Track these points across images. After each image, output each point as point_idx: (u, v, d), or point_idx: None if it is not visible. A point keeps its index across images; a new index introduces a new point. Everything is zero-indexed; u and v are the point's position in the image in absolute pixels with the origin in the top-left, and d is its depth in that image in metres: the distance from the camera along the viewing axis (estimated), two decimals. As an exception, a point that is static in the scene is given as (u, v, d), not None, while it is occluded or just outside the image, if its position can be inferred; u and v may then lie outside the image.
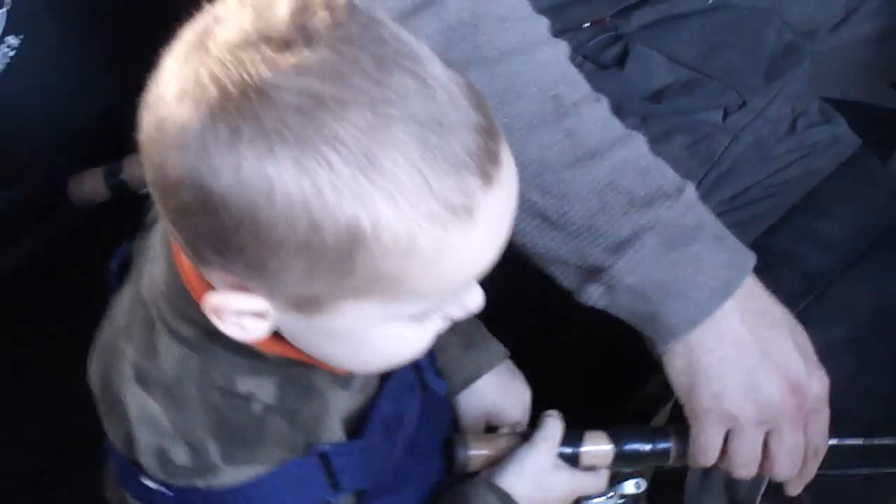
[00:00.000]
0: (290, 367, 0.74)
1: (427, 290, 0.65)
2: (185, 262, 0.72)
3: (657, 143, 1.02)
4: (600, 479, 0.96)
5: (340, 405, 0.80)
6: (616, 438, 0.94)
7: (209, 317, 0.67)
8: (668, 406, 1.11)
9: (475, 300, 0.70)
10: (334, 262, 0.62)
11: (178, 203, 0.62)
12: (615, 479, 1.04)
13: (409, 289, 0.64)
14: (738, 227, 1.03)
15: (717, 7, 1.09)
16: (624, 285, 0.88)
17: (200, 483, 0.74)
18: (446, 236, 0.61)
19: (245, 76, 0.59)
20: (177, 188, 0.61)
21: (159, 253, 0.75)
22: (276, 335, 0.70)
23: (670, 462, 0.95)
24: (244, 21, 0.61)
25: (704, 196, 1.02)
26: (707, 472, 1.10)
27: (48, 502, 1.26)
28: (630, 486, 1.03)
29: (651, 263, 0.88)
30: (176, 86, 0.61)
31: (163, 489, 0.75)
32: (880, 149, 1.14)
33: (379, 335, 0.69)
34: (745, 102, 1.06)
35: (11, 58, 1.29)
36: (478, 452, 0.92)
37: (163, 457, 0.73)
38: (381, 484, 0.89)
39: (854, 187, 1.10)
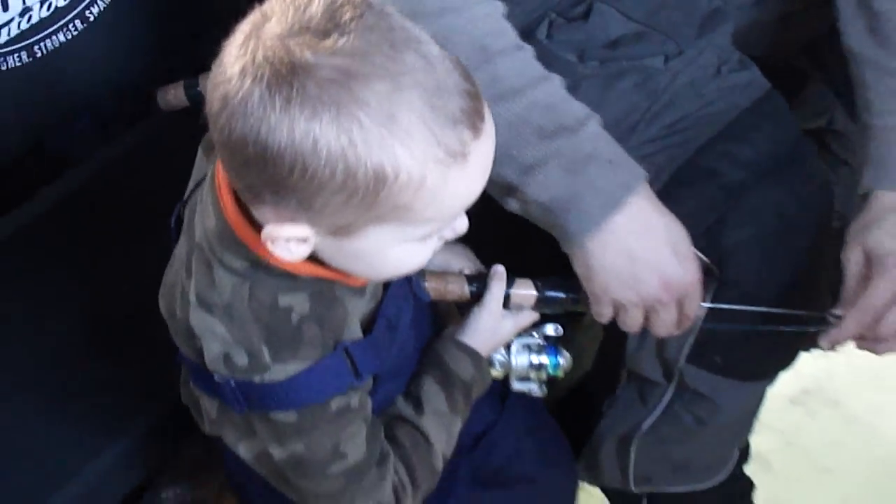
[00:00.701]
0: (318, 284, 0.89)
1: (431, 216, 0.81)
2: (230, 211, 0.87)
3: (613, 81, 1.23)
4: (531, 317, 1.18)
5: (357, 310, 0.94)
6: (539, 286, 1.15)
7: (264, 244, 0.82)
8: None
9: (463, 224, 0.87)
10: (363, 198, 0.77)
11: (243, 158, 0.76)
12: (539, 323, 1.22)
13: (418, 216, 0.80)
14: (674, 149, 1.25)
15: None
16: (533, 201, 1.05)
17: (257, 378, 0.89)
18: (448, 175, 0.78)
19: (292, 57, 0.73)
20: (242, 146, 0.75)
21: (209, 207, 0.88)
22: (309, 258, 0.85)
23: (579, 308, 1.16)
24: (287, 16, 0.75)
25: (649, 122, 1.26)
26: (643, 336, 1.31)
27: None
28: (550, 329, 1.21)
29: (554, 184, 1.05)
30: (237, 67, 0.75)
31: (230, 382, 0.90)
32: (784, 94, 1.32)
33: (392, 253, 0.86)
34: (681, 51, 1.23)
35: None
36: (430, 285, 1.11)
37: (227, 361, 0.88)
38: (386, 372, 1.04)
39: (764, 119, 1.26)
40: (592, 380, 1.60)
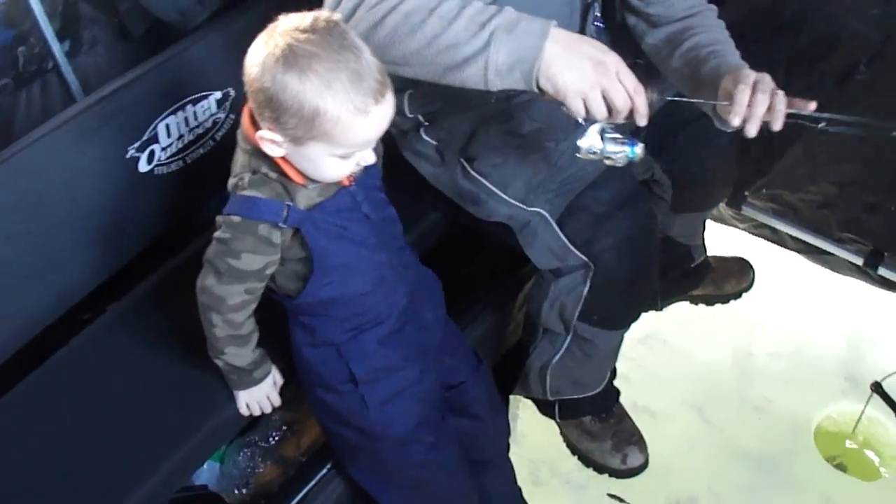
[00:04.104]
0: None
1: (346, 142, 1.24)
2: (246, 119, 1.31)
3: (528, 155, 1.66)
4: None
5: (304, 194, 1.35)
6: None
7: (258, 142, 1.27)
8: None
9: (371, 156, 1.30)
10: (307, 122, 1.21)
11: (263, 97, 1.22)
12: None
13: (338, 141, 1.24)
14: (565, 195, 1.66)
15: None
16: (494, 60, 1.36)
17: (238, 192, 1.33)
18: (354, 121, 1.22)
19: (290, 44, 1.20)
20: (263, 91, 1.22)
21: (240, 136, 1.36)
22: (282, 159, 1.29)
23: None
24: (289, 24, 1.22)
25: (550, 179, 1.65)
26: (551, 304, 1.76)
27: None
28: (639, 149, 1.45)
29: (504, 43, 1.35)
30: (262, 51, 1.22)
31: (231, 194, 1.35)
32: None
33: (325, 162, 1.28)
34: (565, 138, 1.64)
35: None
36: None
37: (234, 185, 1.36)
38: (331, 266, 1.39)
39: (614, 175, 1.65)
40: (523, 336, 2.05)
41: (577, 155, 1.46)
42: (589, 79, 1.34)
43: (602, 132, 1.43)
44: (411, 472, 1.62)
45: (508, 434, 1.88)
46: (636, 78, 1.37)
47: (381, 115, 1.25)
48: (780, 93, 1.40)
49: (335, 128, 1.22)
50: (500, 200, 1.75)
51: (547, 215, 1.70)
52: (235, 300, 1.40)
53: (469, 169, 1.78)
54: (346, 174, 1.33)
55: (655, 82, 1.44)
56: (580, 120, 1.40)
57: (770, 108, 1.38)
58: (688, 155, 1.94)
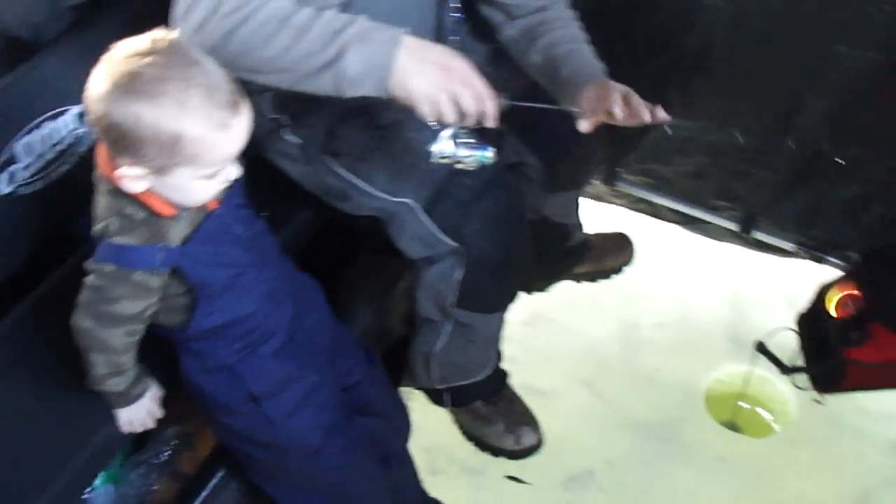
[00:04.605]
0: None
1: (212, 161, 1.20)
2: (102, 159, 1.23)
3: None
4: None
5: (176, 229, 1.30)
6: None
7: (118, 181, 1.20)
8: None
9: (236, 170, 1.26)
10: (169, 150, 1.16)
11: (116, 133, 1.15)
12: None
13: (203, 161, 1.19)
14: (428, 183, 1.68)
15: None
16: (348, 70, 1.37)
17: (112, 241, 1.26)
18: (218, 137, 1.18)
19: (132, 71, 1.14)
20: (115, 127, 1.15)
21: (96, 179, 1.28)
22: (146, 194, 1.22)
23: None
24: (126, 51, 1.16)
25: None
26: (427, 295, 1.79)
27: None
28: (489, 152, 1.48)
29: (358, 51, 1.37)
30: (104, 84, 1.15)
31: (98, 240, 1.27)
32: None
33: (192, 186, 1.23)
34: None
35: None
36: None
37: (105, 233, 1.27)
38: (212, 286, 1.36)
39: None
40: (406, 327, 2.09)
41: (430, 160, 1.48)
42: (437, 85, 1.37)
43: (454, 137, 1.46)
44: (325, 478, 1.61)
45: (409, 427, 1.90)
46: (484, 83, 1.41)
47: (241, 126, 1.22)
48: (643, 107, 1.47)
49: (199, 148, 1.19)
50: (366, 194, 1.77)
51: (414, 205, 1.72)
52: (117, 343, 1.36)
53: (334, 165, 1.79)
54: (215, 194, 1.30)
55: (506, 85, 1.48)
56: (431, 125, 1.43)
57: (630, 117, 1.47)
58: (553, 135, 1.96)
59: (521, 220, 1.83)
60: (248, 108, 1.22)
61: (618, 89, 1.49)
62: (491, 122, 1.43)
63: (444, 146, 1.46)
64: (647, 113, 1.45)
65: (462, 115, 1.40)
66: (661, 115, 1.46)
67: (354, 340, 1.77)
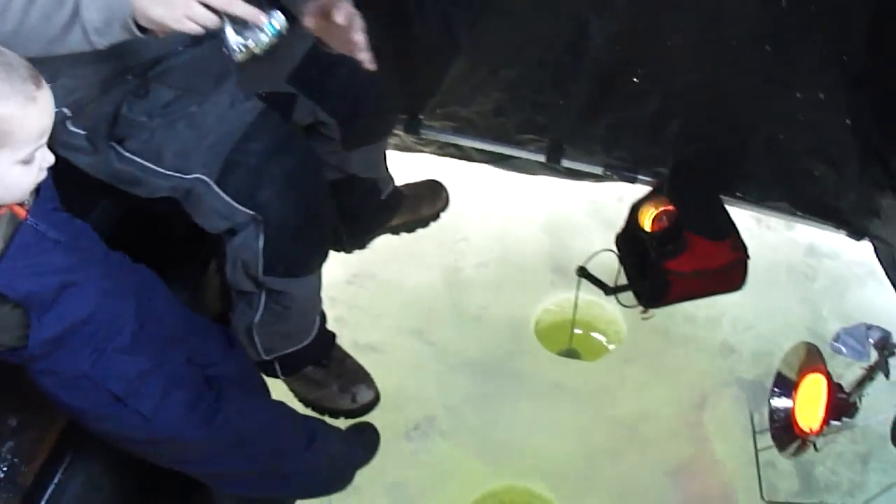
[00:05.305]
0: None
1: (27, 137, 1.19)
2: None
3: (173, 125, 1.68)
4: None
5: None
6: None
7: None
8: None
9: (50, 155, 1.27)
10: None
11: None
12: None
13: (18, 138, 1.18)
14: (216, 156, 1.69)
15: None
16: (91, 22, 1.34)
17: None
18: (29, 110, 1.18)
19: None
20: None
21: None
22: None
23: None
24: None
25: (198, 145, 1.68)
26: (234, 267, 1.80)
27: None
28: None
29: (91, 4, 1.33)
30: None
31: None
32: (280, 109, 1.82)
33: (11, 173, 1.22)
34: (206, 100, 1.70)
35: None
36: None
37: None
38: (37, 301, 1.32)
39: (264, 125, 1.73)
40: (223, 305, 2.06)
41: (236, 59, 1.44)
42: (178, 2, 1.35)
43: (235, 30, 1.41)
44: (221, 448, 1.63)
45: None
46: None
47: (46, 98, 1.22)
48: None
49: (12, 125, 1.18)
50: (157, 175, 1.75)
51: (206, 179, 1.71)
52: None
53: (121, 151, 1.76)
54: (34, 182, 1.26)
55: None
56: (199, 33, 1.40)
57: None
58: (344, 92, 1.98)
59: (315, 180, 1.84)
60: (46, 83, 1.22)
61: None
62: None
63: (234, 40, 1.41)
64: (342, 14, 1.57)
65: (216, 11, 1.37)
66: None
67: (206, 322, 1.77)
